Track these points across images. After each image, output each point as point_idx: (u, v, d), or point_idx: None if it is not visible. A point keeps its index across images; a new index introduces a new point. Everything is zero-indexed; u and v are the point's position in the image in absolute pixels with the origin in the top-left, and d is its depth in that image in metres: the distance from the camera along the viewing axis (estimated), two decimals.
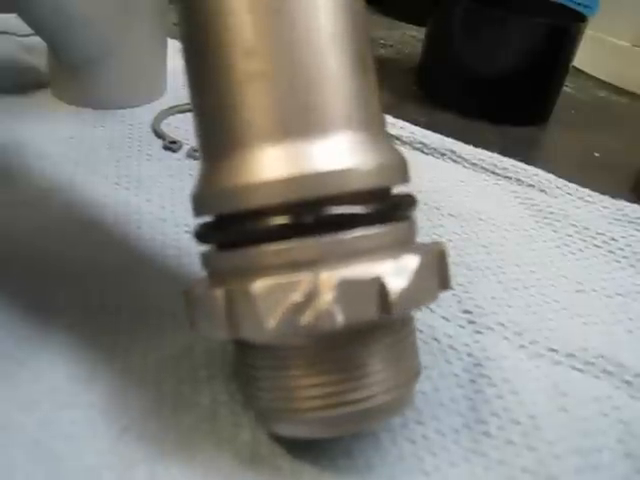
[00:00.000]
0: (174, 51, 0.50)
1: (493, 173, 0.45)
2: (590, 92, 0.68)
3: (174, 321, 0.28)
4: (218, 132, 0.21)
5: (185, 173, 0.40)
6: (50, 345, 0.26)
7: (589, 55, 0.67)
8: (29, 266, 0.30)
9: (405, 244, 0.21)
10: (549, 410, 0.26)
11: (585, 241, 0.39)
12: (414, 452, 0.24)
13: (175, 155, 0.42)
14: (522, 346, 0.30)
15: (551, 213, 0.41)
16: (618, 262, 0.37)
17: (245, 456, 0.23)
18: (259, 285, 0.19)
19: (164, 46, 0.49)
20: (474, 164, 0.46)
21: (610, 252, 0.38)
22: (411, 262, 0.20)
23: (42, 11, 0.41)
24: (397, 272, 0.19)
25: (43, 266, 0.30)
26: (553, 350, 0.29)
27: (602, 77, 0.71)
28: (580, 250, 0.38)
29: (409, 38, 0.75)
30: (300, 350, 0.20)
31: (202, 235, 0.22)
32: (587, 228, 0.40)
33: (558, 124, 0.58)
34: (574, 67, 0.67)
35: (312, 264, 0.19)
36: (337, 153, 0.20)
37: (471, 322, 0.31)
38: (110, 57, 0.44)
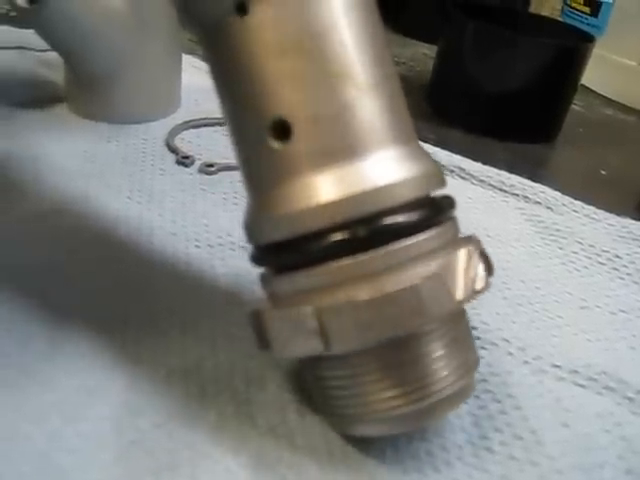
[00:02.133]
0: (188, 67, 0.51)
1: (500, 190, 0.46)
2: (598, 110, 0.68)
3: (183, 335, 0.29)
4: (267, 164, 0.22)
5: (197, 188, 0.40)
6: (59, 357, 0.27)
7: (597, 74, 0.68)
8: (41, 278, 0.31)
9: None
10: (552, 426, 0.27)
11: (590, 258, 0.39)
12: (418, 468, 0.24)
13: (188, 170, 0.42)
14: (526, 362, 0.30)
15: (557, 230, 0.41)
16: (622, 279, 0.38)
17: (251, 467, 0.23)
18: (439, 263, 0.21)
19: (179, 62, 0.49)
20: (482, 181, 0.46)
21: (614, 269, 0.38)
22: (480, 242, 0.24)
23: (58, 27, 0.42)
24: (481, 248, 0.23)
25: (54, 278, 0.31)
26: (556, 366, 0.30)
27: (610, 95, 0.71)
28: (585, 267, 0.38)
29: (421, 56, 0.76)
30: (375, 356, 0.22)
31: (273, 257, 0.23)
32: (592, 245, 0.40)
33: (566, 142, 0.58)
34: (582, 85, 0.68)
35: (452, 244, 0.23)
36: (393, 168, 0.22)
37: (476, 338, 0.31)
38: (125, 72, 0.45)
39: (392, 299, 0.21)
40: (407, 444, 0.25)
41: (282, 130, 0.21)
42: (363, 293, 0.21)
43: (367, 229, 0.21)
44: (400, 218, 0.21)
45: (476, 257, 0.22)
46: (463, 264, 0.22)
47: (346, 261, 0.21)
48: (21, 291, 0.30)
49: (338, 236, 0.21)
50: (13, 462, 0.22)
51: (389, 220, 0.21)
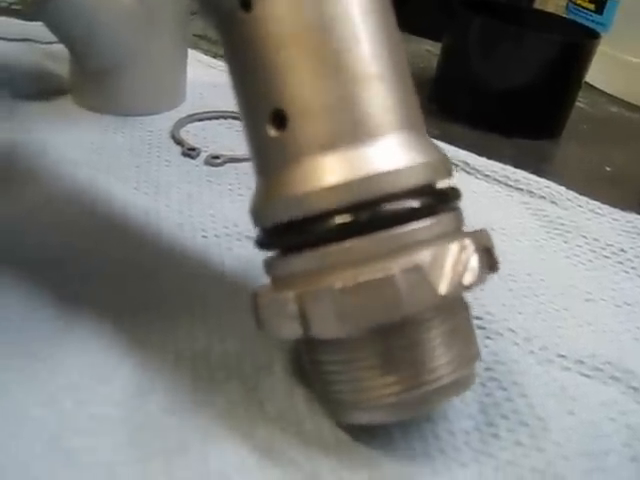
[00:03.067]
0: (193, 61, 0.51)
1: (505, 185, 0.46)
2: (602, 107, 0.68)
3: (191, 323, 0.29)
4: (267, 150, 0.23)
5: (203, 179, 0.41)
6: (69, 342, 0.27)
7: (602, 71, 0.68)
8: (49, 266, 0.31)
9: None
10: (558, 413, 0.27)
11: (594, 252, 0.39)
12: (426, 452, 0.24)
13: (193, 162, 0.43)
14: (532, 352, 0.30)
15: (562, 224, 0.42)
16: (626, 272, 0.38)
17: (260, 451, 0.23)
18: (425, 255, 0.21)
19: (184, 56, 0.50)
20: (487, 176, 0.47)
21: (619, 263, 0.39)
22: (485, 237, 0.23)
23: (65, 19, 0.42)
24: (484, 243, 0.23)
25: (62, 268, 0.31)
26: (562, 356, 0.30)
27: (614, 93, 0.71)
28: (589, 260, 0.39)
29: (425, 52, 0.76)
30: (370, 342, 0.22)
31: (270, 240, 0.23)
32: (597, 239, 0.40)
33: (570, 138, 0.59)
34: (587, 83, 0.68)
35: (448, 236, 0.22)
36: (401, 152, 0.22)
37: (481, 328, 0.31)
38: (131, 65, 0.45)
39: (366, 289, 0.21)
40: (415, 428, 0.25)
41: (279, 119, 0.22)
42: (339, 281, 0.21)
43: (357, 215, 0.21)
44: (392, 206, 0.21)
45: (470, 250, 0.21)
46: (453, 257, 0.21)
47: (332, 247, 0.21)
48: (29, 279, 0.30)
49: (330, 221, 0.21)
50: (24, 443, 0.22)
51: (380, 207, 0.21)
